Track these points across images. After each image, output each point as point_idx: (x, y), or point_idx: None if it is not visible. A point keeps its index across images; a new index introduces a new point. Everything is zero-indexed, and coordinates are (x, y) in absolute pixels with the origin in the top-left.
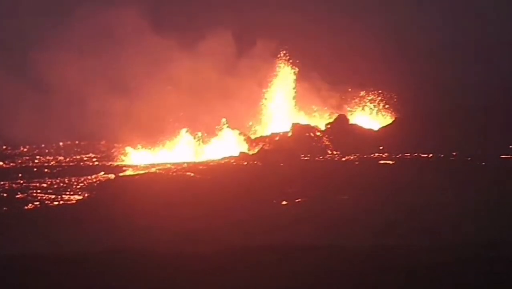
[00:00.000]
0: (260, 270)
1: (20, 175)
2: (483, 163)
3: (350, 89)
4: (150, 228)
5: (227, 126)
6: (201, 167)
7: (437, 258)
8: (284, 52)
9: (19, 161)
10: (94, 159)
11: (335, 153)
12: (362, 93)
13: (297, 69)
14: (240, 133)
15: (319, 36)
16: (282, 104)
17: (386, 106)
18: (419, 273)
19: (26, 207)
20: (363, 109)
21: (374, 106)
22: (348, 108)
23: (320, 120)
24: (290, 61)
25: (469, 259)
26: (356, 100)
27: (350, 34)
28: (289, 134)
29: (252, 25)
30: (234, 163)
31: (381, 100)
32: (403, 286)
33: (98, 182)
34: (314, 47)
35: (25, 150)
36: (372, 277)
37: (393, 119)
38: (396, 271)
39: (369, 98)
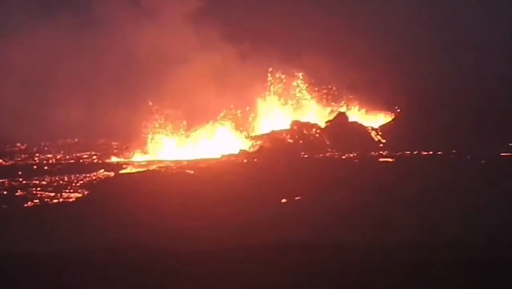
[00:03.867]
0: (260, 267)
1: (19, 172)
2: (483, 161)
3: (350, 87)
4: (149, 225)
5: (227, 124)
6: (200, 165)
7: (437, 256)
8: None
9: (19, 159)
10: (94, 157)
11: (334, 150)
12: (362, 92)
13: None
14: (240, 131)
15: (318, 36)
16: (282, 103)
17: (386, 104)
18: (418, 271)
19: (25, 205)
20: (363, 107)
21: (374, 104)
22: (348, 106)
23: (320, 118)
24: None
25: (468, 259)
26: (356, 98)
27: (351, 34)
28: (289, 132)
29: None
30: (234, 161)
31: (381, 98)
32: (402, 284)
33: (97, 179)
34: (314, 47)
35: (23, 147)
36: (371, 275)
37: (393, 117)
38: (395, 269)
39: (369, 96)
